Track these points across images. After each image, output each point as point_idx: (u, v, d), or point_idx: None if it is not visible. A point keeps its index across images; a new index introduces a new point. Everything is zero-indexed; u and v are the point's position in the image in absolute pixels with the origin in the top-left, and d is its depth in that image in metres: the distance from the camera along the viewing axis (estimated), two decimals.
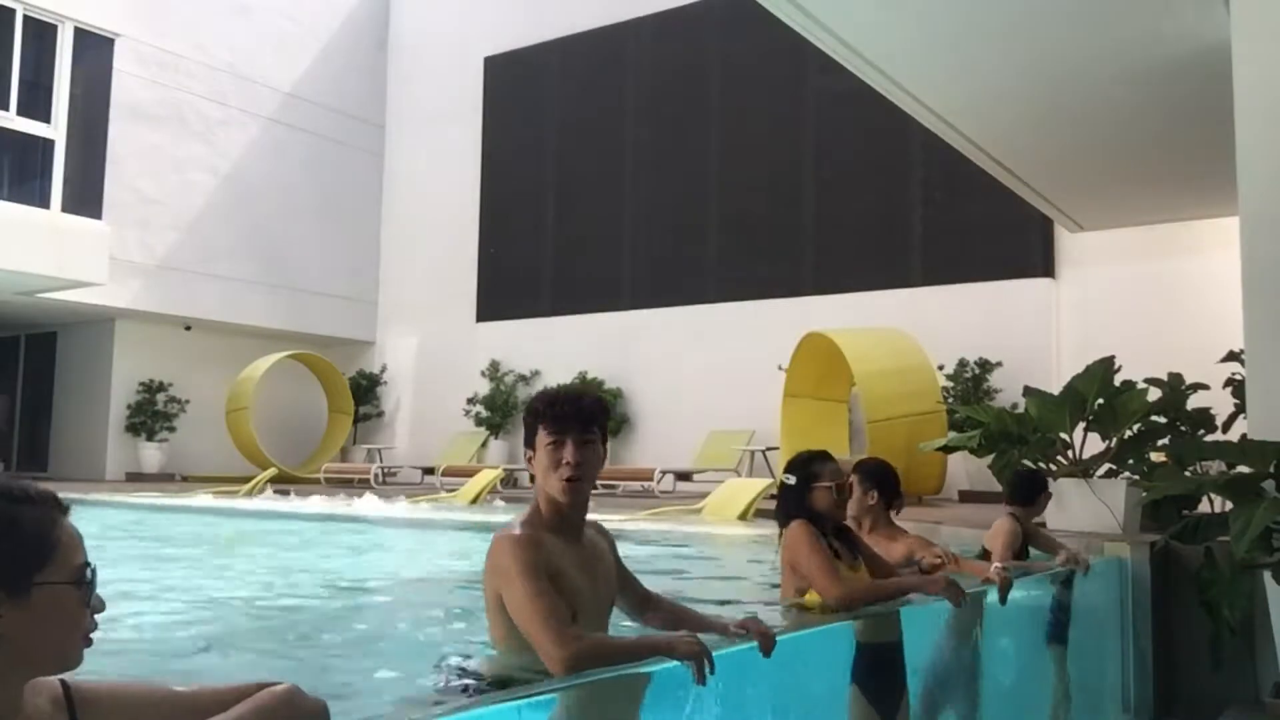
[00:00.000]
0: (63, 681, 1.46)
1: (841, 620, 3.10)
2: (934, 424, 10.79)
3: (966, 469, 12.12)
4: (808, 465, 3.49)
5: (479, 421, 17.61)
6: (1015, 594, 3.89)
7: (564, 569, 2.38)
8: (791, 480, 3.47)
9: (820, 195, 15.45)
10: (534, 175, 18.40)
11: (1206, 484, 5.07)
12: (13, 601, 1.34)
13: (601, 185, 17.60)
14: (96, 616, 1.44)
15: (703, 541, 8.61)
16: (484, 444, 17.43)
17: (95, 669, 1.48)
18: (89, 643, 1.43)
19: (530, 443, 2.51)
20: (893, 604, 3.31)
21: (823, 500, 3.41)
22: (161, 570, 6.74)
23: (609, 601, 2.59)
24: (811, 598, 3.25)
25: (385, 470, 17.54)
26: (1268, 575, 4.49)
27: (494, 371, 17.91)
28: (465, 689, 2.22)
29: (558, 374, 17.01)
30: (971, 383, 13.20)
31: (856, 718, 3.06)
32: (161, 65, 17.08)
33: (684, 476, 14.39)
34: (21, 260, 14.11)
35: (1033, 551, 4.96)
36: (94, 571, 1.43)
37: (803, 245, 15.49)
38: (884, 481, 4.20)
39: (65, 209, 14.97)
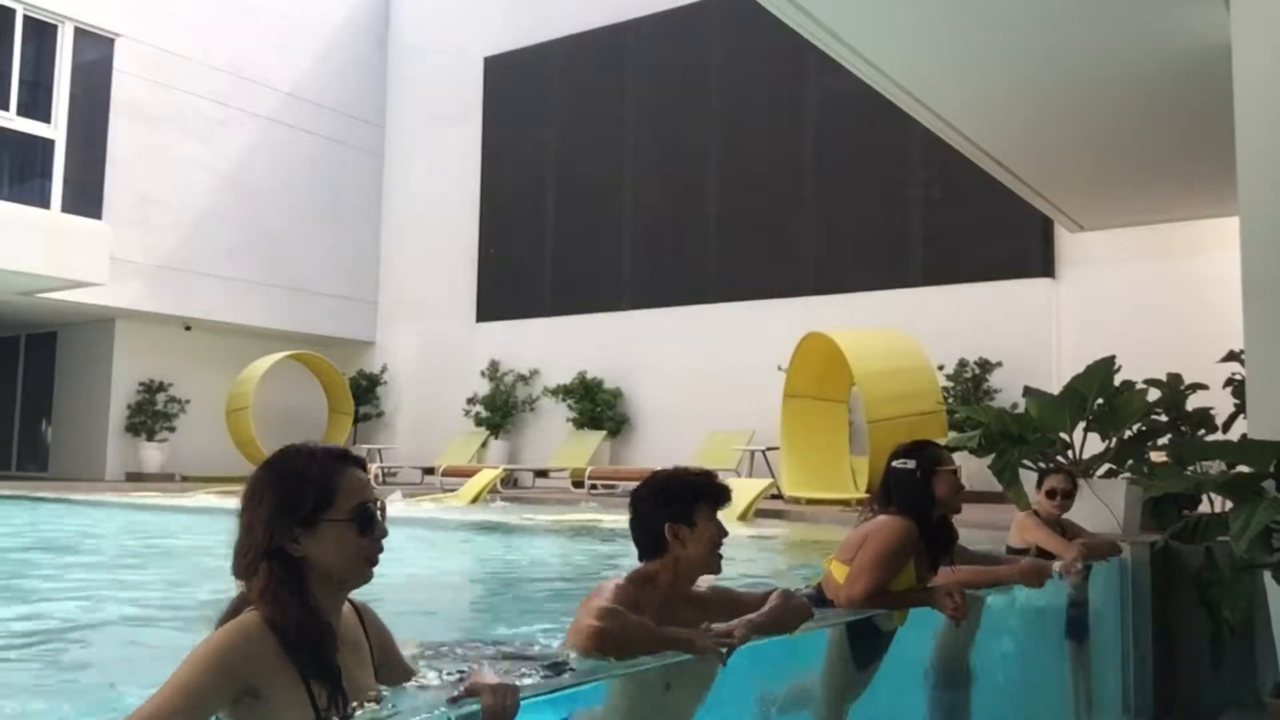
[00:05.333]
0: (353, 601, 1.92)
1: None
2: (934, 424, 10.77)
3: (966, 469, 12.09)
4: (927, 450, 3.23)
5: (479, 421, 17.61)
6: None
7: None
8: (911, 465, 3.20)
9: (820, 195, 15.44)
10: (534, 175, 18.40)
11: (1206, 484, 5.06)
12: (306, 533, 1.78)
13: (601, 185, 17.59)
14: (383, 541, 1.84)
15: None
16: (484, 444, 17.43)
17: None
18: (373, 562, 1.84)
19: (687, 519, 2.49)
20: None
21: (946, 485, 3.19)
22: (156, 566, 6.74)
23: None
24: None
25: (385, 470, 17.54)
26: (1268, 575, 4.48)
27: (494, 371, 17.91)
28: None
29: (558, 374, 17.02)
30: (971, 383, 13.20)
31: (831, 659, 2.95)
32: (161, 65, 17.07)
33: None
34: (22, 260, 14.11)
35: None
36: (376, 507, 1.83)
37: (803, 245, 15.49)
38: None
39: (65, 209, 14.96)
